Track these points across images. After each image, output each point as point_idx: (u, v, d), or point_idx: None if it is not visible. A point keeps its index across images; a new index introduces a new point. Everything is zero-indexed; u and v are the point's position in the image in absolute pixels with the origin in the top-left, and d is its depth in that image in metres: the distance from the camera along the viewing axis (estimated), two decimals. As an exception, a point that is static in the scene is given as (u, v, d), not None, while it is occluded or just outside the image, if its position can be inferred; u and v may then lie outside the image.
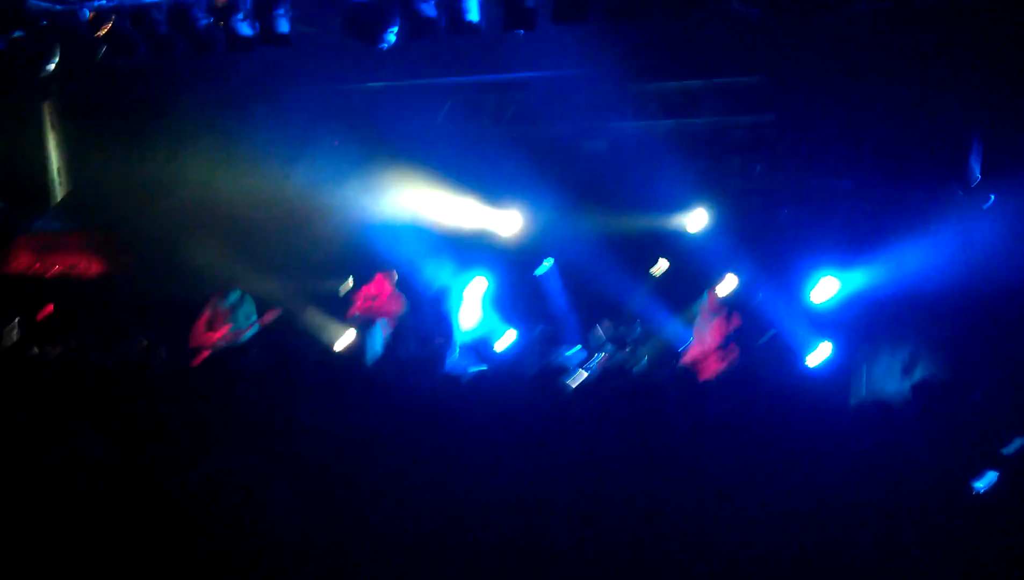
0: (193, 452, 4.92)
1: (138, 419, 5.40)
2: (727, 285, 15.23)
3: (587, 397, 7.95)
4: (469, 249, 16.97)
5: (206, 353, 12.30)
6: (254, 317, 14.58)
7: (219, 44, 13.42)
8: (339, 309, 16.06)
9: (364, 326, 15.15)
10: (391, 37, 11.95)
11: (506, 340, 16.44)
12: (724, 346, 13.57)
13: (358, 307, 15.00)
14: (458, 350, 14.12)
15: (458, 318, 15.63)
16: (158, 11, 13.56)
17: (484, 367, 10.88)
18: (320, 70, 15.23)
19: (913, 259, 13.43)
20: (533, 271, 17.23)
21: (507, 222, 17.13)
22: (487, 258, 17.01)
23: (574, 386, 9.27)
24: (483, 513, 4.42)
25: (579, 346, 16.03)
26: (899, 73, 12.81)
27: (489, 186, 16.77)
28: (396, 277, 15.00)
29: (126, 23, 13.68)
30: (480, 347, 15.13)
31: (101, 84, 15.37)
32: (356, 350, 14.67)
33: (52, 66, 13.68)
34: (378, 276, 14.94)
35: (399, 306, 14.89)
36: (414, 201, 16.63)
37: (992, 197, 13.19)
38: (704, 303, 14.35)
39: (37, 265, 17.83)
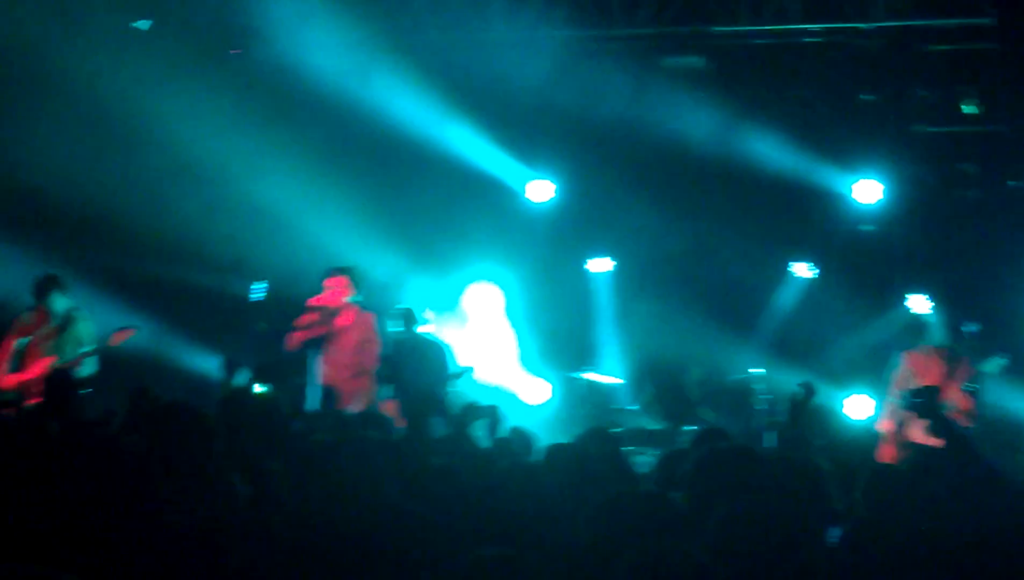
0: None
1: None
2: (916, 308, 15.36)
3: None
4: (471, 239, 17.33)
5: (8, 409, 11.81)
6: (92, 343, 14.08)
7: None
8: (246, 332, 16.46)
9: (297, 365, 14.70)
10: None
11: (534, 394, 16.69)
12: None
13: (298, 337, 14.47)
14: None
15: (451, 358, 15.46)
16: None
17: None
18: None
19: None
20: (577, 267, 17.81)
21: (534, 189, 17.59)
22: (500, 253, 17.31)
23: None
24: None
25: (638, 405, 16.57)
26: None
27: (504, 125, 17.13)
28: (357, 277, 14.49)
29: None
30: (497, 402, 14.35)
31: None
32: (290, 404, 13.43)
33: None
34: (334, 278, 14.41)
35: (364, 331, 14.40)
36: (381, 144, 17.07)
37: None
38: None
39: None
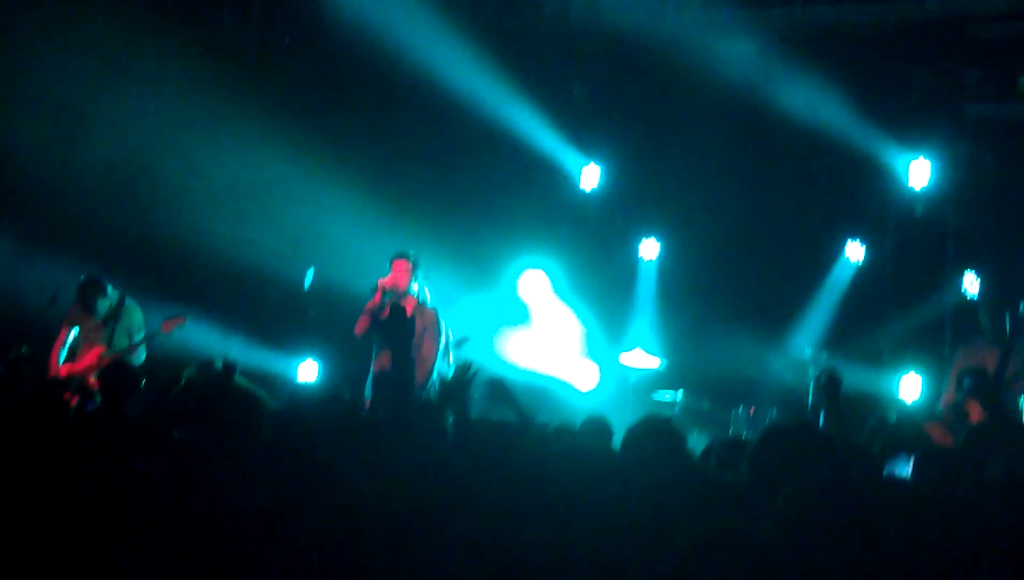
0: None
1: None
2: (970, 290, 15.36)
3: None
4: (518, 226, 17.32)
5: (67, 394, 11.65)
6: (142, 331, 14.32)
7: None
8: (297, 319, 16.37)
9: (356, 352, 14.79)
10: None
11: (584, 380, 16.68)
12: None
13: (364, 321, 14.03)
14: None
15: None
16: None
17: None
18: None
19: None
20: (624, 252, 17.58)
21: (587, 175, 17.49)
22: (547, 240, 17.38)
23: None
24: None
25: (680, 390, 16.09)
26: None
27: (553, 113, 16.96)
28: (416, 264, 14.09)
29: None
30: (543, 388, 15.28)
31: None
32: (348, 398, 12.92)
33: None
34: (400, 261, 13.98)
35: (423, 320, 13.64)
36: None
37: None
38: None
39: None
